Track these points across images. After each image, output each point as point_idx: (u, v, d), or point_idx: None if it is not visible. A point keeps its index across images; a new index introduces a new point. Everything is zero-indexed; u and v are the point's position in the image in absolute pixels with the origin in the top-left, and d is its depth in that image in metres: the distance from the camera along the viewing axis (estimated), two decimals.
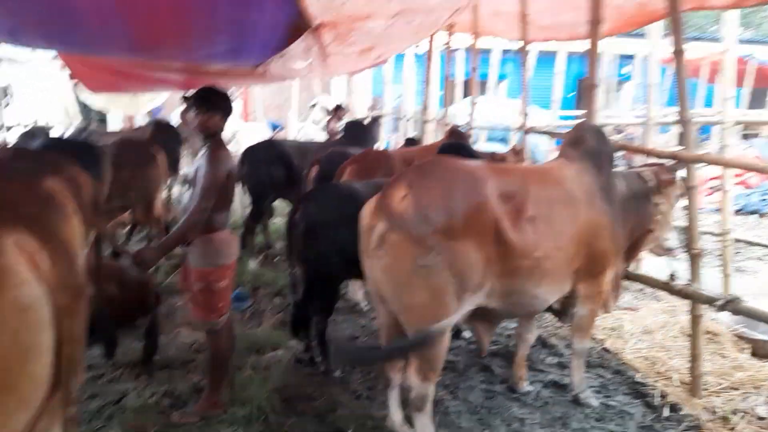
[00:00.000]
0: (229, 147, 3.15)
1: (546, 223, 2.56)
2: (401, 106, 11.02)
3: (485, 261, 2.42)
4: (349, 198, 3.45)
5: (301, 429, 2.97)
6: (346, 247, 3.33)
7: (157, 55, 5.14)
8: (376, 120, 7.87)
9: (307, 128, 14.69)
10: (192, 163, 9.96)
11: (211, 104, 3.01)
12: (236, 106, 16.31)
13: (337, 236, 3.35)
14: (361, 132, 6.71)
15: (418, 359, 2.47)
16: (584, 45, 3.79)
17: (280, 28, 3.78)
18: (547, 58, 10.64)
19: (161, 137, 7.43)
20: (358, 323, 4.48)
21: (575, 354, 3.19)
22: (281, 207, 7.34)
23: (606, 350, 3.91)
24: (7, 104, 11.61)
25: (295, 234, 3.54)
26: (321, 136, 12.05)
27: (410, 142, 5.80)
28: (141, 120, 13.47)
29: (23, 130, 8.84)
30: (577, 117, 12.16)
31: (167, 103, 15.09)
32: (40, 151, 3.43)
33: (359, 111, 12.92)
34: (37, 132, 7.40)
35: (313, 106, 15.78)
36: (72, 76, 10.16)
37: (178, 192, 8.24)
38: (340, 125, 9.40)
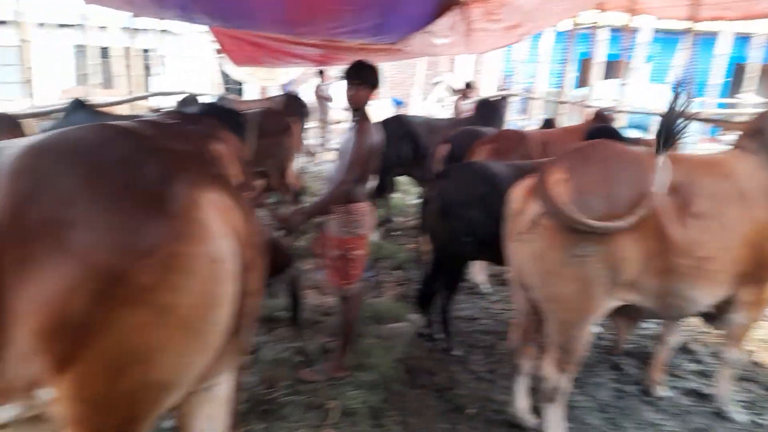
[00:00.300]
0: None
1: (713, 220, 2.34)
2: (533, 86, 10.61)
3: (642, 256, 2.26)
4: (486, 178, 3.40)
5: (421, 402, 3.01)
6: (480, 228, 3.31)
7: (306, 30, 5.35)
8: (504, 99, 7.65)
9: (430, 106, 14.70)
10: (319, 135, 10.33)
11: (361, 78, 3.08)
12: None
13: (472, 216, 3.32)
14: (492, 111, 6.55)
15: (557, 350, 2.39)
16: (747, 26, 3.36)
17: (429, 3, 3.77)
18: (704, 40, 9.70)
19: (291, 109, 7.83)
20: (479, 305, 4.44)
21: (725, 363, 2.92)
22: (402, 182, 7.42)
23: (757, 364, 3.55)
24: (160, 73, 12.76)
25: (428, 210, 3.56)
26: (443, 114, 12.02)
27: (547, 123, 5.57)
28: (273, 92, 14.25)
29: (176, 97, 9.72)
30: (730, 105, 11.04)
31: (298, 78, 15.76)
32: (200, 117, 3.73)
33: (487, 90, 12.65)
34: (190, 100, 8.09)
35: (437, 83, 15.74)
36: (219, 50, 10.97)
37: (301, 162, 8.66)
38: (466, 104, 9.28)
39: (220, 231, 1.40)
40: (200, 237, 1.36)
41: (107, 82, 11.72)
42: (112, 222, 1.30)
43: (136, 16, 8.36)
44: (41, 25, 13.86)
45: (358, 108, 3.11)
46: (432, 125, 6.50)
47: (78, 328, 1.29)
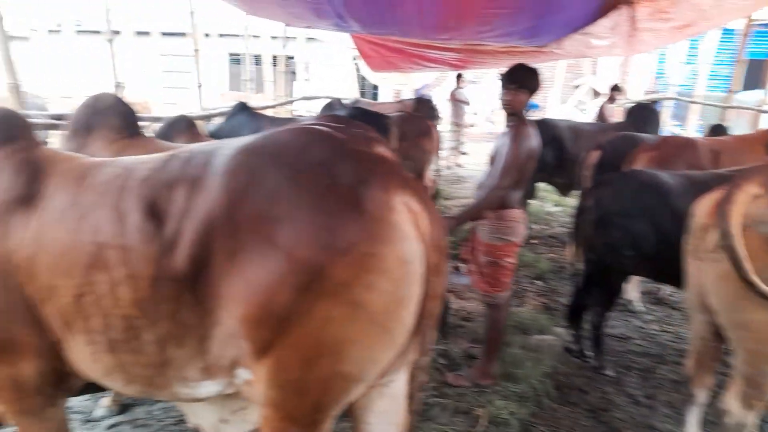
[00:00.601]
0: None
1: None
2: (692, 89, 9.73)
3: None
4: (652, 188, 3.16)
5: (573, 420, 2.88)
6: (644, 242, 3.09)
7: (455, 35, 5.37)
8: (655, 104, 7.08)
9: (568, 110, 14.07)
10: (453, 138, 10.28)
11: (521, 81, 3.01)
12: (497, 85, 16.47)
13: (634, 228, 3.11)
14: (647, 116, 6.10)
15: (744, 383, 2.16)
16: None
17: (592, 4, 3.60)
18: None
19: (421, 112, 7.89)
20: (631, 323, 4.15)
21: None
22: (541, 189, 7.17)
23: None
24: (308, 78, 13.52)
25: (584, 220, 3.39)
26: (583, 119, 11.45)
27: (716, 130, 5.06)
28: (406, 95, 14.51)
29: (320, 101, 10.24)
30: None
31: (432, 82, 15.91)
32: (350, 120, 3.87)
33: (635, 93, 11.83)
34: (334, 103, 8.47)
35: (578, 86, 15.03)
36: (357, 57, 11.40)
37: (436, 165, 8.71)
38: (613, 108, 8.74)
39: (410, 233, 1.44)
40: (393, 238, 1.40)
41: (258, 87, 12.64)
42: (314, 220, 1.39)
43: (289, 25, 8.90)
44: (207, 35, 15.36)
45: (514, 113, 3.05)
46: (578, 130, 6.21)
47: (280, 317, 1.40)
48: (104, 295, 1.54)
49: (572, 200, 7.40)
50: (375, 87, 17.92)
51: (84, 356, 1.63)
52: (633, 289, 4.40)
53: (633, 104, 6.89)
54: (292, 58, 13.89)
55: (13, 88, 3.88)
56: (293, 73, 14.35)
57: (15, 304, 1.63)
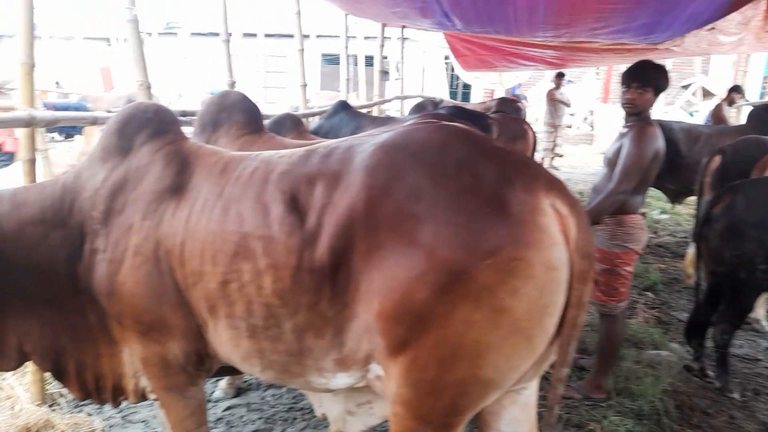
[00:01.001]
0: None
1: None
2: None
3: None
4: None
5: None
6: None
7: (564, 32, 5.18)
8: None
9: (675, 111, 13.22)
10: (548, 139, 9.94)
11: (646, 79, 2.85)
12: (596, 85, 15.77)
13: None
14: None
15: None
16: None
17: None
18: None
19: (507, 112, 7.64)
20: (759, 344, 3.82)
21: None
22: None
23: None
24: (398, 78, 13.58)
25: (711, 230, 3.15)
26: (690, 121, 10.70)
27: None
28: (499, 95, 14.23)
29: (413, 100, 10.25)
30: None
31: (525, 81, 15.54)
32: (453, 119, 3.83)
33: (750, 95, 10.93)
34: (425, 103, 8.44)
35: (687, 86, 14.09)
36: (448, 57, 11.29)
37: None
38: (729, 109, 8.13)
39: (558, 238, 1.38)
40: (541, 243, 1.35)
41: (351, 87, 12.87)
42: (458, 221, 1.36)
43: (386, 25, 8.97)
44: (305, 36, 15.84)
45: (638, 112, 2.88)
46: (694, 133, 5.80)
47: (418, 316, 1.38)
48: (247, 283, 1.60)
49: (682, 208, 6.95)
50: (466, 86, 17.75)
51: (225, 340, 1.71)
52: (760, 306, 4.04)
53: (754, 106, 6.33)
54: (386, 58, 14.02)
55: (143, 86, 4.17)
56: (386, 72, 14.47)
57: (166, 287, 1.73)
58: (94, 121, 3.41)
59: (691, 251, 3.65)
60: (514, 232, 1.34)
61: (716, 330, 3.19)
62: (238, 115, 2.92)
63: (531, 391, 1.70)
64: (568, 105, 10.94)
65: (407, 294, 1.38)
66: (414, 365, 1.42)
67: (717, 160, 4.51)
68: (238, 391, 3.04)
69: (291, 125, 4.03)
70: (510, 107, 8.48)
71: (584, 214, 1.44)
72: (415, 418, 1.48)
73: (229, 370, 2.11)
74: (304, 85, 6.52)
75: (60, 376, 2.02)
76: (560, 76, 10.76)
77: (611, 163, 2.95)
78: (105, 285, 1.80)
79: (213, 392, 3.00)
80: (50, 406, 2.78)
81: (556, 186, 1.44)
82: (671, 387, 3.07)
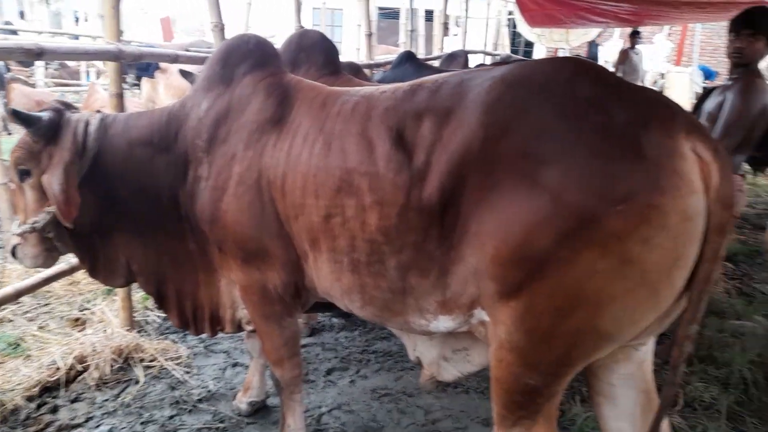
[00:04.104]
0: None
1: None
2: None
3: None
4: None
5: None
6: None
7: None
8: None
9: (766, 72, 12.36)
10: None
11: (759, 26, 2.63)
12: (667, 46, 14.89)
13: None
14: None
15: None
16: None
17: None
18: None
19: None
20: None
21: None
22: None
23: None
24: (456, 34, 13.20)
25: None
26: None
27: None
28: (564, 53, 13.63)
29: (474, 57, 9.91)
30: None
31: (596, 39, 14.79)
32: None
33: None
34: (459, 53, 7.96)
35: None
36: (512, 12, 10.80)
37: None
38: None
39: (697, 185, 1.26)
40: (679, 190, 1.24)
41: (410, 42, 12.58)
42: (587, 163, 1.27)
43: None
44: None
45: (748, 63, 2.67)
46: None
47: (536, 262, 1.31)
48: (351, 219, 1.57)
49: (761, 179, 6.57)
50: (528, 44, 17.10)
51: (327, 273, 1.70)
52: None
53: None
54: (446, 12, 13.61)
55: (217, 27, 4.16)
56: (446, 27, 14.06)
57: (268, 217, 1.74)
58: (176, 59, 3.43)
59: None
60: (650, 177, 1.24)
61: None
62: (317, 56, 2.86)
63: (648, 348, 1.63)
64: (640, 69, 10.09)
65: (527, 238, 1.31)
66: (528, 312, 1.37)
67: None
68: (312, 332, 3.09)
69: (351, 74, 3.95)
70: None
71: (729, 160, 1.33)
72: (524, 365, 1.42)
73: (321, 308, 2.13)
74: (369, 35, 6.39)
75: (161, 301, 2.10)
76: (635, 34, 10.05)
77: (712, 117, 2.76)
78: (208, 211, 1.82)
79: None
80: (138, 332, 2.91)
81: (697, 128, 1.32)
82: (759, 358, 2.93)
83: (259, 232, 1.76)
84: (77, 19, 17.87)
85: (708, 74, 13.60)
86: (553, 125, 1.33)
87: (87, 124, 1.93)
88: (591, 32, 14.14)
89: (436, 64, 8.46)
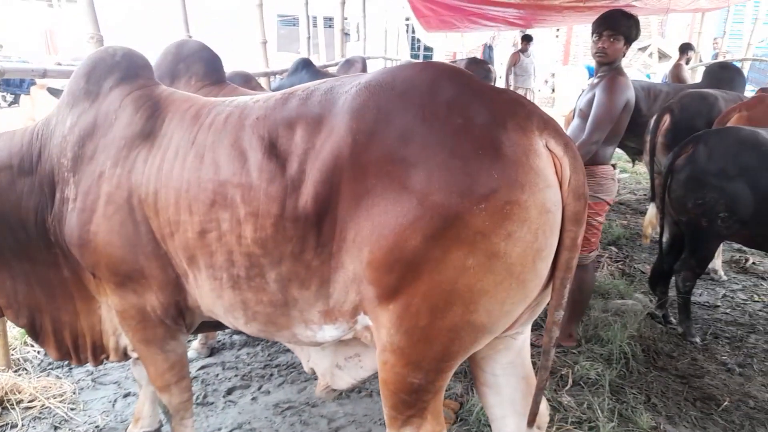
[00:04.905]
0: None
1: None
2: None
3: None
4: (753, 147, 2.99)
5: (664, 385, 2.79)
6: (740, 203, 2.94)
7: None
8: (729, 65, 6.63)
9: (631, 73, 13.43)
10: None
11: (618, 28, 2.85)
12: (557, 47, 15.86)
13: (731, 189, 2.96)
14: (730, 77, 5.74)
15: None
16: None
17: None
18: None
19: (478, 74, 7.53)
20: (717, 292, 4.00)
21: None
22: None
23: None
24: (357, 39, 13.32)
25: (675, 181, 3.23)
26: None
27: None
28: (460, 56, 14.14)
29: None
30: None
31: (490, 42, 15.44)
32: None
33: (705, 55, 11.19)
34: (356, 59, 8.02)
35: (643, 48, 14.31)
36: (408, 18, 11.04)
37: None
38: (687, 68, 8.28)
39: (552, 180, 1.35)
40: (536, 185, 1.31)
41: (312, 48, 12.54)
42: (449, 164, 1.31)
43: None
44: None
45: (611, 62, 2.89)
46: (654, 91, 5.91)
47: (410, 264, 1.34)
48: (227, 233, 1.53)
49: (641, 167, 7.13)
50: (428, 49, 17.58)
51: (207, 291, 1.65)
52: (717, 256, 4.21)
53: (711, 64, 6.48)
54: (347, 18, 13.70)
55: (93, 39, 3.94)
56: (347, 34, 14.15)
57: (142, 236, 1.66)
58: (44, 74, 3.21)
59: (650, 211, 3.75)
60: (508, 174, 1.30)
61: (679, 278, 3.30)
62: (198, 65, 2.76)
63: (525, 336, 1.71)
64: (531, 71, 10.45)
65: (399, 241, 1.33)
66: (406, 313, 1.39)
67: (667, 118, 4.62)
68: (212, 351, 2.99)
69: (241, 83, 3.88)
70: (481, 69, 8.28)
71: (578, 153, 1.42)
72: (407, 365, 1.45)
73: (211, 327, 2.06)
74: (264, 42, 6.30)
75: (35, 334, 1.96)
76: (526, 38, 10.49)
77: (583, 114, 2.96)
78: (76, 235, 1.72)
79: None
80: (16, 371, 2.68)
81: (549, 125, 1.40)
82: (637, 333, 3.18)
83: (133, 253, 1.67)
84: None
85: (592, 72, 14.60)
86: (415, 129, 1.36)
87: None
88: (485, 36, 14.81)
89: (334, 70, 8.50)
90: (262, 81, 6.01)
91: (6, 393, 2.45)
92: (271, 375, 2.79)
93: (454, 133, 1.34)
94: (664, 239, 3.46)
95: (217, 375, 2.79)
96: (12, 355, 2.74)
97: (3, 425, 2.34)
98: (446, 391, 2.48)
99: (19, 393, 2.47)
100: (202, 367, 2.86)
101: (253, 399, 2.61)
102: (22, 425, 2.34)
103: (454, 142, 1.33)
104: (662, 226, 3.41)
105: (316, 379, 2.60)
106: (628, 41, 2.89)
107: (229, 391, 2.66)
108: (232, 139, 1.57)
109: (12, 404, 2.43)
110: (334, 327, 1.57)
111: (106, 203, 1.67)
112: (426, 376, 1.46)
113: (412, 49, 17.68)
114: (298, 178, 1.45)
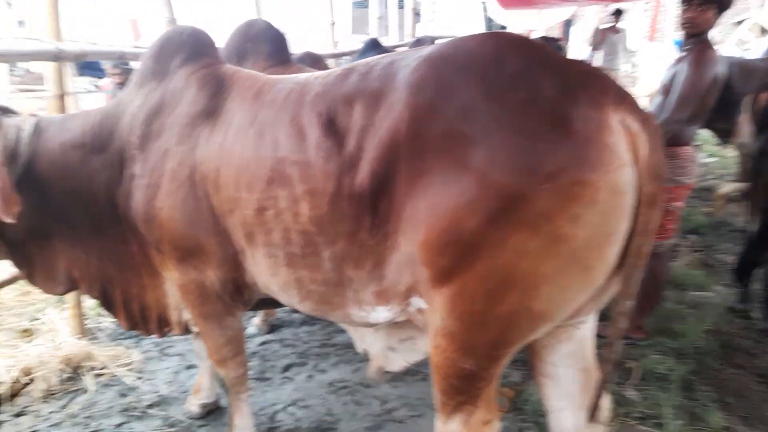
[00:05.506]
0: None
1: None
2: None
3: None
4: None
5: (740, 383, 2.58)
6: None
7: None
8: None
9: (728, 49, 12.42)
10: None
11: None
12: (643, 22, 14.90)
13: None
14: None
15: None
16: None
17: None
18: None
19: None
20: None
21: None
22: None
23: None
24: (432, 19, 13.11)
25: (764, 166, 2.94)
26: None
27: None
28: (536, 35, 13.59)
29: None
30: None
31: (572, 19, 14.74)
32: None
33: None
34: (425, 40, 7.86)
35: (740, 23, 13.18)
36: None
37: None
38: None
39: (626, 159, 1.23)
40: (607, 165, 1.21)
41: (382, 30, 12.48)
42: (513, 141, 1.24)
43: None
44: None
45: (699, 33, 2.65)
46: (749, 67, 5.41)
47: (466, 245, 1.28)
48: (284, 210, 1.54)
49: (729, 150, 6.60)
50: (502, 28, 17.04)
51: (263, 269, 1.67)
52: None
53: None
54: None
55: (169, 22, 4.08)
56: (417, 14, 13.95)
57: (203, 213, 1.70)
58: (122, 56, 3.35)
59: (727, 187, 3.47)
60: (577, 152, 1.21)
61: (765, 271, 3.03)
62: (264, 45, 2.79)
63: (589, 326, 1.61)
64: (620, 50, 9.52)
65: (456, 221, 1.28)
66: (461, 296, 1.34)
67: (765, 96, 4.21)
68: (272, 328, 3.05)
69: (310, 64, 3.89)
70: (552, 47, 7.86)
71: (658, 130, 1.29)
72: (459, 350, 1.40)
73: (271, 304, 2.10)
74: (333, 24, 6.31)
75: (107, 305, 2.07)
76: (618, 13, 9.48)
77: (666, 90, 2.75)
78: (142, 211, 1.78)
79: (246, 328, 3.02)
80: (90, 339, 2.85)
81: (626, 100, 1.29)
82: (714, 327, 2.96)
83: (194, 229, 1.72)
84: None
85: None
86: (477, 104, 1.29)
87: (19, 129, 1.88)
88: (563, 13, 14.13)
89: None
90: (331, 63, 6.04)
91: (80, 360, 2.61)
92: (327, 354, 2.82)
93: (519, 107, 1.26)
94: (753, 227, 3.17)
95: (275, 351, 2.86)
96: (86, 325, 2.91)
97: (76, 390, 2.50)
98: (503, 378, 2.42)
99: (92, 360, 2.63)
100: (262, 343, 2.93)
101: (309, 377, 2.65)
102: (93, 391, 2.49)
103: (518, 118, 1.26)
104: (751, 213, 3.13)
105: (369, 360, 2.62)
106: (720, 9, 2.65)
107: (287, 368, 2.71)
108: (291, 116, 1.56)
109: (84, 371, 2.60)
110: (386, 308, 1.55)
111: (170, 180, 1.72)
112: (478, 362, 1.41)
113: (489, 28, 17.20)
114: (356, 156, 1.42)
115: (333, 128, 1.47)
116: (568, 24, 14.43)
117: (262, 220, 1.59)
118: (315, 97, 1.54)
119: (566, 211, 1.21)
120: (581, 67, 1.36)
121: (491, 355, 1.41)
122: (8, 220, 1.81)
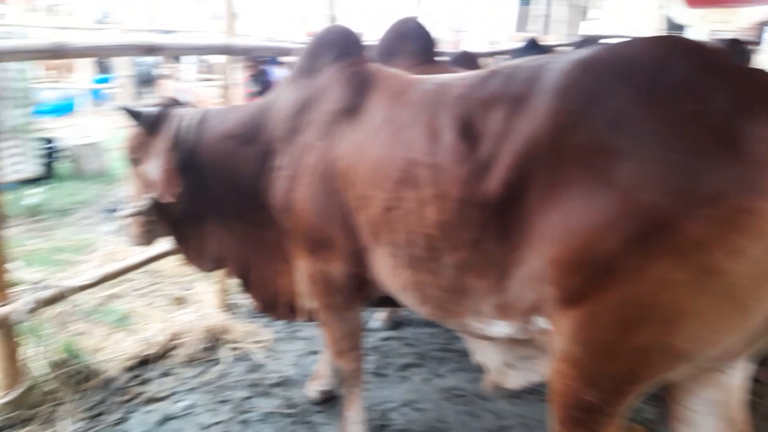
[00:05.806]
0: None
1: None
2: None
3: None
4: None
5: None
6: None
7: None
8: None
9: None
10: None
11: None
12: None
13: None
14: None
15: None
16: None
17: None
18: None
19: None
20: None
21: None
22: None
23: None
24: (599, 18, 12.26)
25: None
26: None
27: None
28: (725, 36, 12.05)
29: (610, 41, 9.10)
30: None
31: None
32: None
33: None
34: (592, 40, 7.26)
35: None
36: None
37: None
38: None
39: None
40: None
41: (545, 28, 11.95)
42: (668, 157, 1.09)
43: None
44: None
45: None
46: None
47: (602, 268, 1.16)
48: (411, 212, 1.51)
49: None
50: (678, 28, 15.39)
51: (385, 268, 1.66)
52: None
53: None
54: None
55: (329, 18, 4.28)
56: (585, 11, 13.13)
57: (334, 207, 1.73)
58: (289, 52, 3.57)
59: None
60: (746, 176, 1.04)
61: None
62: (410, 44, 2.79)
63: (740, 374, 1.37)
64: None
65: (592, 241, 1.16)
66: (589, 322, 1.22)
67: None
68: (395, 325, 3.05)
69: (464, 63, 3.80)
70: (736, 51, 6.89)
71: None
72: (582, 379, 1.28)
73: (392, 303, 2.09)
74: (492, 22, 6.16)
75: (246, 285, 2.21)
76: None
77: None
78: (282, 201, 1.87)
79: (369, 322, 3.06)
80: (230, 313, 3.08)
81: None
82: None
83: (325, 222, 1.77)
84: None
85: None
86: (629, 114, 1.16)
87: (186, 118, 2.08)
88: (761, 12, 12.38)
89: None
90: (488, 63, 5.91)
91: (219, 332, 2.83)
92: (446, 359, 2.75)
93: (680, 120, 1.11)
94: None
95: (396, 349, 2.85)
96: (228, 300, 3.15)
97: (213, 359, 2.71)
98: (634, 413, 2.15)
99: (230, 334, 2.84)
100: (384, 339, 2.94)
101: (425, 379, 2.60)
102: (227, 363, 2.68)
103: (677, 132, 1.11)
104: None
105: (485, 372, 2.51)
106: None
107: (404, 367, 2.69)
108: (428, 117, 1.53)
109: (222, 343, 2.81)
110: (505, 324, 1.46)
111: (308, 173, 1.78)
112: (602, 395, 1.27)
113: (670, 27, 15.59)
114: (489, 162, 1.35)
115: (468, 132, 1.41)
116: (764, 26, 12.58)
117: (388, 220, 1.58)
118: (454, 100, 1.49)
119: (725, 242, 1.05)
120: (760, 76, 1.15)
121: (617, 389, 1.26)
122: (169, 199, 2.03)
